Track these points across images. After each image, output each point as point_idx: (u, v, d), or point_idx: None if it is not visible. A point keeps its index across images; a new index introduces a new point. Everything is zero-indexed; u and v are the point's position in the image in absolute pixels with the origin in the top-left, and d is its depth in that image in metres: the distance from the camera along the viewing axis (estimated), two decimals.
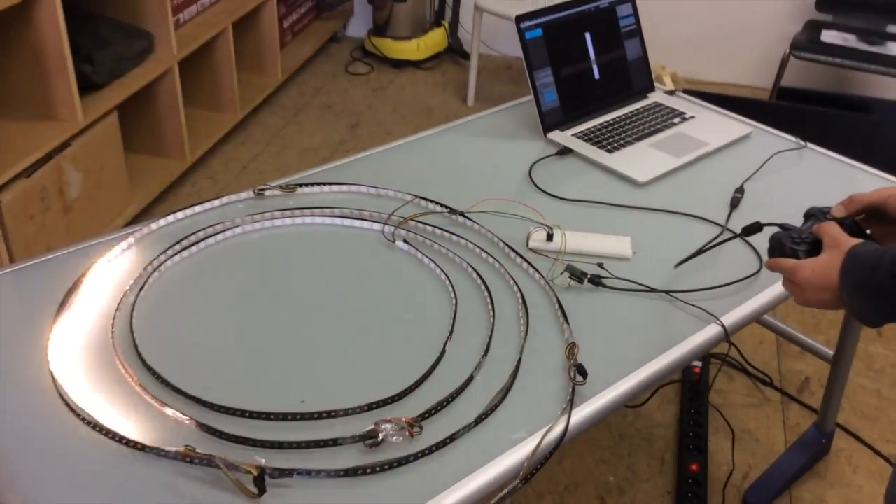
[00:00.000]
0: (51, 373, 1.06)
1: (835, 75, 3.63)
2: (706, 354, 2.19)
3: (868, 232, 1.06)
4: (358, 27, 4.10)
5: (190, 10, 2.82)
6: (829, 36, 3.16)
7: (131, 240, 1.32)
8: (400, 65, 3.80)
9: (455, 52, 3.90)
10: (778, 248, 1.03)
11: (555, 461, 1.92)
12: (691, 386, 2.09)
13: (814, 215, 1.05)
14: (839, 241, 0.95)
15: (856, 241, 0.94)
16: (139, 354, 1.10)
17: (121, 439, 0.98)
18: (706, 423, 2.00)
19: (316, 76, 3.70)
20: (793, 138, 1.72)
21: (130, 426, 1.00)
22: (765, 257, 1.35)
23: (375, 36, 3.80)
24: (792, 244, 1.01)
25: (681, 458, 1.91)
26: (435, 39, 3.80)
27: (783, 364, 2.24)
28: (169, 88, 2.63)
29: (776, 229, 1.08)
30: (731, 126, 1.74)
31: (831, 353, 1.84)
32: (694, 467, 1.87)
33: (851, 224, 1.04)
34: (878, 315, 0.89)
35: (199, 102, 3.05)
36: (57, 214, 2.20)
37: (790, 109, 2.77)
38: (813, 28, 3.25)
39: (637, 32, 1.83)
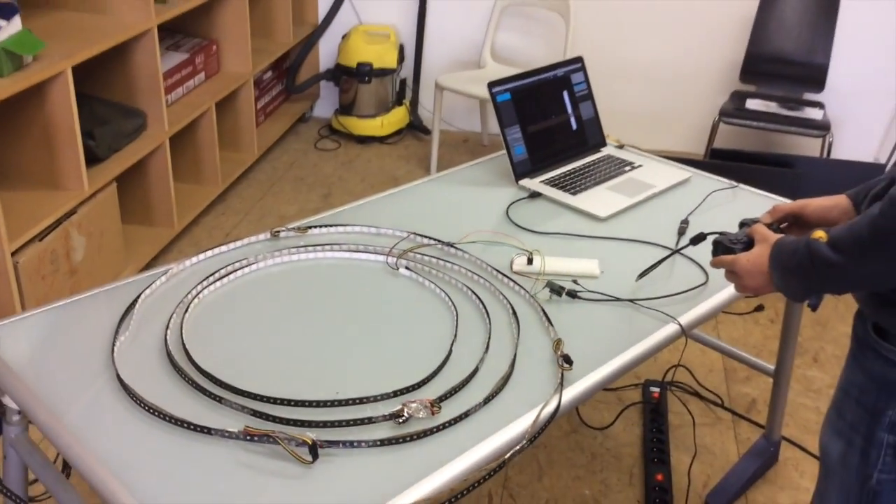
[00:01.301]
0: (119, 379, 1.25)
1: (760, 137, 4.01)
2: (664, 382, 2.44)
3: None
4: (323, 108, 4.39)
5: (177, 91, 3.06)
6: (753, 104, 3.53)
7: (169, 274, 1.52)
8: (365, 140, 4.08)
9: (416, 128, 4.21)
10: (720, 248, 1.29)
11: (535, 478, 2.11)
12: (652, 408, 2.32)
13: (746, 223, 1.32)
14: (767, 237, 1.21)
15: (780, 235, 1.20)
16: (192, 361, 1.29)
17: (190, 425, 1.16)
18: (667, 440, 2.22)
19: (287, 152, 3.96)
20: (726, 180, 2.01)
21: (192, 417, 1.18)
22: (710, 271, 1.61)
23: (342, 115, 4.09)
24: (730, 243, 1.27)
25: (647, 470, 2.12)
26: (398, 117, 4.11)
27: (731, 388, 2.48)
28: (160, 162, 2.85)
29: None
30: (673, 172, 2.03)
31: (772, 367, 2.10)
32: (659, 477, 2.09)
33: (777, 229, 1.31)
34: (801, 289, 1.14)
35: (183, 177, 3.27)
36: (64, 276, 2.37)
37: (723, 166, 3.10)
38: (738, 97, 3.63)
39: (589, 96, 2.12)
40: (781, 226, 1.34)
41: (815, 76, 3.61)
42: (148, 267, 2.87)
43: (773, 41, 3.64)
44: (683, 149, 4.15)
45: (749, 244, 1.26)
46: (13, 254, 2.15)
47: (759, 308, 2.89)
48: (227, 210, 3.38)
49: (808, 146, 3.90)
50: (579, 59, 2.12)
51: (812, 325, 2.82)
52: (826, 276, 1.07)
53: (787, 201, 1.91)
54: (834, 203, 1.28)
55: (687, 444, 2.25)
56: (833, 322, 2.84)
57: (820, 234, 1.08)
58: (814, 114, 3.45)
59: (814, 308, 1.61)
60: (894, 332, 1.11)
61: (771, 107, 3.50)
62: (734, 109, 3.49)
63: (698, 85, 4.02)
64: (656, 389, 2.39)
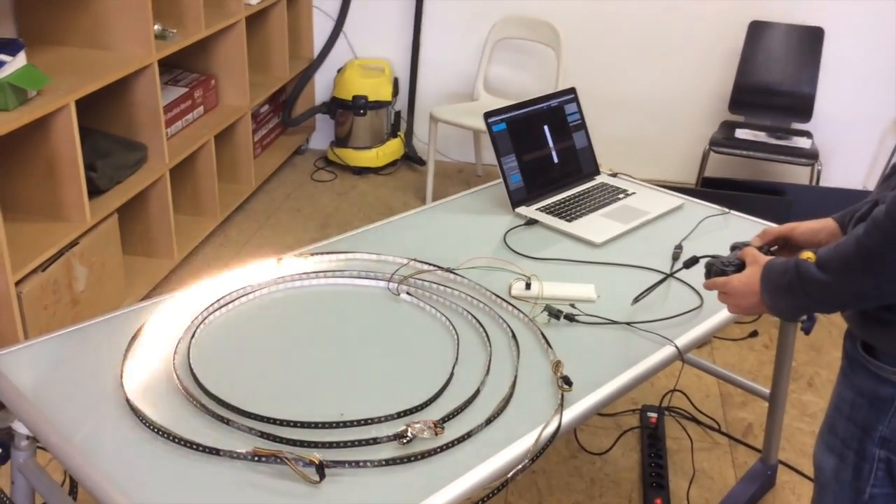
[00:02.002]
0: (129, 402, 1.27)
1: (749, 166, 4.08)
2: (661, 407, 2.46)
3: None
4: (319, 140, 4.44)
5: (177, 125, 3.11)
6: (742, 133, 3.60)
7: (176, 300, 1.55)
8: (361, 171, 4.13)
9: (410, 159, 4.27)
10: (712, 270, 1.33)
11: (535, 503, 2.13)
12: (650, 433, 2.34)
13: (737, 247, 1.36)
14: (758, 258, 1.25)
15: (771, 257, 1.24)
16: (200, 384, 1.32)
17: (199, 447, 1.19)
18: (665, 464, 2.24)
19: (284, 184, 4.00)
20: (717, 206, 2.06)
21: (201, 439, 1.21)
22: (704, 294, 1.65)
23: (337, 147, 4.14)
24: (723, 266, 1.31)
25: (646, 494, 2.14)
26: (392, 148, 4.16)
27: (728, 413, 2.51)
28: (160, 193, 2.89)
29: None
30: (666, 199, 2.07)
31: (768, 391, 2.13)
32: (658, 501, 2.10)
33: (767, 251, 1.35)
34: (791, 308, 1.18)
35: (183, 208, 3.31)
36: (66, 306, 2.39)
37: (714, 194, 3.15)
38: (728, 127, 3.70)
39: (582, 126, 2.17)
40: (771, 248, 1.38)
41: (803, 106, 3.68)
42: (148, 297, 2.89)
43: (760, 72, 3.72)
44: (675, 177, 4.21)
45: (741, 266, 1.30)
46: (17, 284, 2.17)
47: (754, 334, 2.93)
48: (226, 241, 3.41)
49: (798, 174, 3.97)
50: (572, 90, 2.17)
51: (806, 350, 2.85)
52: (815, 294, 1.11)
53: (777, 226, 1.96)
54: (821, 226, 1.32)
55: (685, 468, 2.27)
56: (827, 347, 2.88)
57: (808, 255, 1.12)
58: (802, 143, 3.51)
59: (807, 332, 1.65)
60: (882, 349, 1.14)
61: (760, 136, 3.56)
62: (724, 139, 3.56)
63: (688, 115, 4.09)
64: (653, 414, 2.41)
